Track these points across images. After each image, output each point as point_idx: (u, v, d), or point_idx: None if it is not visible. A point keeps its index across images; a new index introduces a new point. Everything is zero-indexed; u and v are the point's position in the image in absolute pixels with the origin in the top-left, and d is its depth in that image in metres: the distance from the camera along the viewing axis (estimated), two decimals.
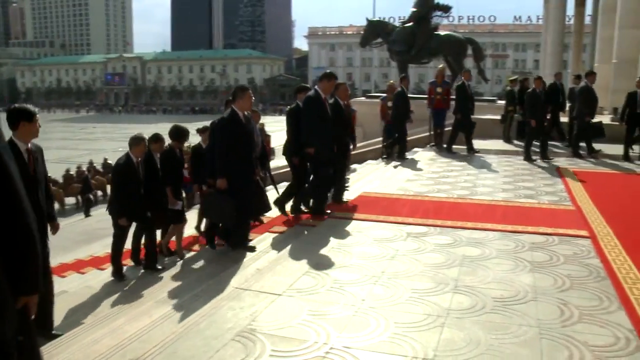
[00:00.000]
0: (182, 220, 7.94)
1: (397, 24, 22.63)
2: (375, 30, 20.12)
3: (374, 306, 4.55)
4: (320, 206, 7.89)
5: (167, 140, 7.74)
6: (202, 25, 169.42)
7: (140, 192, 7.13)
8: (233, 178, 6.58)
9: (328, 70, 8.27)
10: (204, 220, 8.17)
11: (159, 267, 7.34)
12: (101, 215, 17.17)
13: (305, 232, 7.13)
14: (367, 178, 10.98)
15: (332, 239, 6.64)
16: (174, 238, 7.92)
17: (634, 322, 4.26)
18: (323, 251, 6.17)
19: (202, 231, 8.36)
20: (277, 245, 6.56)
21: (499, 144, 14.47)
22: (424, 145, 14.94)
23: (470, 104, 13.61)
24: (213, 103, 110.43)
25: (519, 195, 8.95)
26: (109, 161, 26.33)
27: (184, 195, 8.52)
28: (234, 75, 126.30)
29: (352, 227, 7.19)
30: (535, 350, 3.82)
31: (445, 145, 13.92)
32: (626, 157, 12.66)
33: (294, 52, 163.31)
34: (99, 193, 24.02)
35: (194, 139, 9.18)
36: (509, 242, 6.32)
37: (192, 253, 7.90)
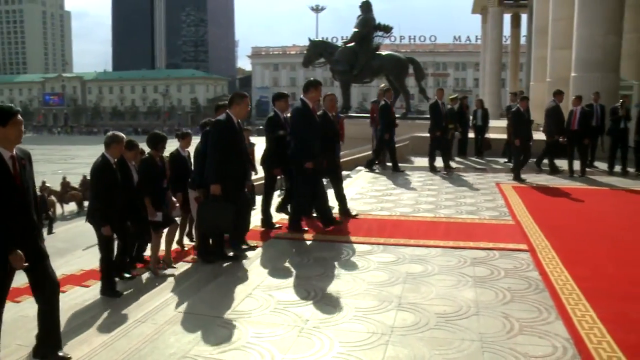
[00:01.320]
0: (160, 229, 7.44)
1: (339, 44, 22.90)
2: (318, 50, 20.33)
3: (318, 326, 4.54)
4: (297, 220, 7.79)
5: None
6: (144, 45, 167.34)
7: (120, 197, 6.46)
8: (227, 184, 6.45)
9: (313, 78, 8.11)
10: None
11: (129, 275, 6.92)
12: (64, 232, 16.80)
13: (247, 254, 7.06)
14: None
15: (274, 259, 6.60)
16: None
17: (571, 331, 4.39)
18: (266, 272, 6.10)
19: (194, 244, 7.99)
20: (219, 267, 6.47)
21: (440, 161, 14.72)
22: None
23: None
24: (156, 124, 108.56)
25: (461, 212, 9.13)
26: (47, 184, 25.70)
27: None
28: (176, 95, 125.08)
29: (295, 246, 7.17)
30: None
31: (389, 164, 14.10)
32: (571, 172, 13.12)
33: (237, 72, 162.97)
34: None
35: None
36: (451, 258, 6.41)
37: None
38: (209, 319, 4.76)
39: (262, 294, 5.36)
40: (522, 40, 46.43)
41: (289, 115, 8.08)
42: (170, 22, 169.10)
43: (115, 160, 6.48)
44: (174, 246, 7.77)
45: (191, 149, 7.82)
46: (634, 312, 4.86)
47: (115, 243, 6.69)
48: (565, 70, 17.88)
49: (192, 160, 7.70)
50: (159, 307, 5.14)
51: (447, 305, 4.96)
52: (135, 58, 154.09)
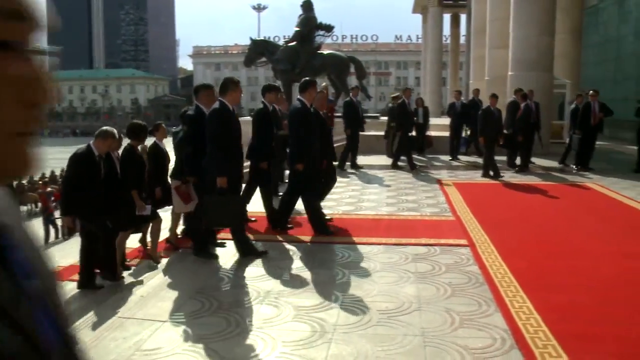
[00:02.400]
0: (147, 221, 7.27)
1: (281, 43, 22.83)
2: (259, 49, 20.19)
3: (261, 326, 4.51)
4: (284, 218, 7.70)
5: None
6: (82, 44, 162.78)
7: (99, 193, 6.23)
8: (230, 176, 6.27)
9: (308, 78, 8.04)
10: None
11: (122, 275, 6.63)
12: None
13: (189, 256, 6.96)
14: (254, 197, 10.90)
15: (217, 260, 6.54)
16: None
17: (509, 322, 4.51)
18: (208, 274, 6.04)
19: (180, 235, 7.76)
20: (161, 270, 6.36)
21: (382, 159, 14.89)
22: None
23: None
24: (96, 125, 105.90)
25: (402, 209, 9.25)
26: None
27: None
28: (116, 95, 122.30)
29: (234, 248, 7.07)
30: (419, 358, 3.93)
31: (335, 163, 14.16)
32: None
33: (178, 71, 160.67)
34: None
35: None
36: (393, 255, 6.48)
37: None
38: (151, 323, 4.67)
39: (205, 295, 5.29)
40: (462, 40, 47.40)
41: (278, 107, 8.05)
42: (109, 21, 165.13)
43: (99, 153, 6.26)
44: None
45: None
46: (566, 301, 5.04)
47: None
48: (503, 69, 18.37)
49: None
50: (98, 313, 5.01)
51: (390, 302, 5.00)
52: (73, 58, 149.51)
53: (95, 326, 4.67)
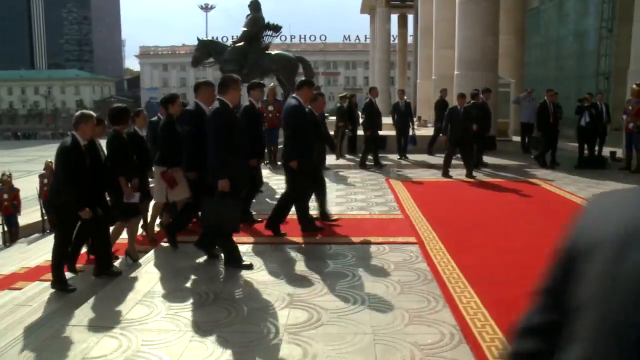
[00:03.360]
0: (138, 214, 7.10)
1: (229, 43, 22.66)
2: (207, 49, 19.98)
3: (211, 330, 4.45)
4: (308, 220, 7.58)
5: None
6: (22, 44, 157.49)
7: (88, 182, 6.04)
8: (234, 178, 6.06)
9: (304, 78, 7.99)
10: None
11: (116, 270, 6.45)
12: None
13: (133, 259, 6.82)
14: None
15: (165, 263, 6.42)
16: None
17: (457, 318, 4.58)
18: (157, 277, 5.93)
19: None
20: (107, 275, 6.21)
21: (331, 159, 14.91)
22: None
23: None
24: (38, 127, 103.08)
25: (352, 208, 9.29)
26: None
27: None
28: (60, 97, 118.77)
29: (187, 249, 6.94)
30: (370, 356, 3.94)
31: (279, 163, 14.14)
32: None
33: (125, 72, 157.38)
34: None
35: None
36: (343, 254, 6.50)
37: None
38: (97, 329, 4.54)
39: (152, 300, 5.19)
40: (410, 40, 48.05)
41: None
42: (50, 20, 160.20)
43: (86, 142, 6.07)
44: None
45: None
46: (512, 295, 5.12)
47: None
48: (449, 68, 18.70)
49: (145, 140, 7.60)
50: (41, 322, 4.85)
51: (339, 301, 5.02)
52: (12, 57, 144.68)
53: (39, 335, 4.51)
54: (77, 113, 6.23)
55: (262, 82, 8.70)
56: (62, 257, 6.21)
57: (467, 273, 5.73)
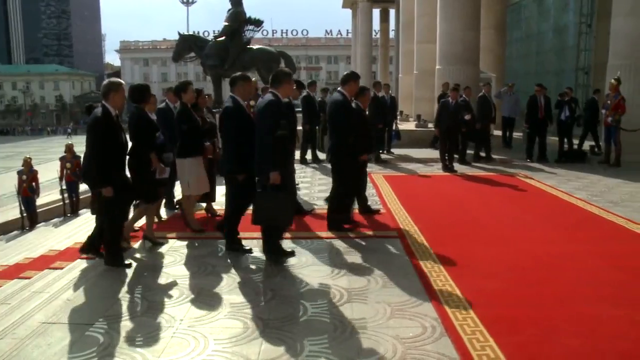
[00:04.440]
0: (161, 196, 7.02)
1: (210, 38, 22.58)
2: (188, 44, 19.90)
3: (193, 325, 4.43)
4: (340, 217, 7.48)
5: None
6: None
7: (119, 157, 5.85)
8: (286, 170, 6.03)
9: (351, 70, 7.80)
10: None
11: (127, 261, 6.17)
12: None
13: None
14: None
15: (146, 260, 6.38)
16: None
17: (438, 311, 4.61)
18: (137, 274, 5.88)
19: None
20: (89, 271, 6.14)
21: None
22: None
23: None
24: (17, 123, 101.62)
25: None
26: None
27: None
28: (39, 92, 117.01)
29: (167, 246, 6.89)
30: (352, 350, 3.95)
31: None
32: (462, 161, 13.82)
33: (105, 67, 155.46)
34: None
35: None
36: (325, 249, 6.51)
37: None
38: (78, 327, 4.50)
39: (133, 296, 5.16)
40: (391, 34, 48.13)
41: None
42: (28, 14, 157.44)
43: (116, 113, 5.84)
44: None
45: None
46: (493, 287, 5.20)
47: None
48: (431, 63, 18.77)
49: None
50: (20, 321, 4.77)
51: (322, 295, 5.02)
52: None
53: (16, 334, 4.45)
54: (105, 82, 5.98)
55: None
56: (118, 234, 6.07)
57: (449, 266, 5.78)
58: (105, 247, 6.10)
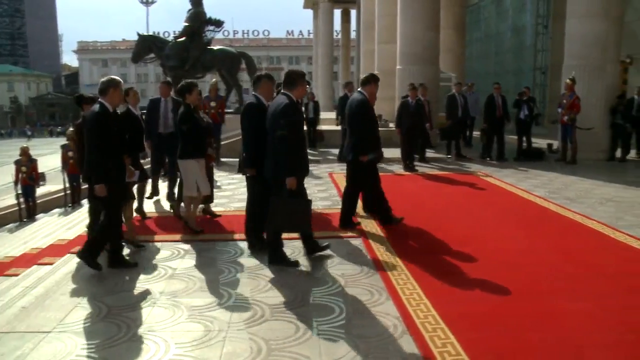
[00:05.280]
0: (132, 197, 6.89)
1: (170, 38, 22.33)
2: (147, 44, 19.61)
3: (154, 329, 4.36)
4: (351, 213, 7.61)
5: None
6: None
7: (117, 154, 5.79)
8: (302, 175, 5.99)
9: (371, 73, 7.89)
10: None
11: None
12: None
13: (74, 260, 6.62)
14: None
15: (105, 265, 6.24)
16: None
17: (400, 309, 4.63)
18: (97, 279, 5.73)
19: None
20: (46, 277, 5.99)
21: None
22: None
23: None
24: None
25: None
26: None
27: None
28: None
29: (128, 247, 6.71)
30: (314, 350, 3.95)
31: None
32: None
33: (62, 68, 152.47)
34: None
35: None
36: (286, 249, 6.44)
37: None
38: (33, 335, 4.37)
39: (92, 302, 5.04)
40: (353, 35, 48.31)
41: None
42: None
43: (113, 110, 5.76)
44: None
45: None
46: (454, 285, 5.26)
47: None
48: (391, 63, 18.88)
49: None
50: None
51: (283, 296, 5.00)
52: None
53: None
54: (105, 78, 5.86)
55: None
56: (109, 238, 5.95)
57: (410, 265, 5.82)
58: (89, 244, 5.96)
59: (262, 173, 6.11)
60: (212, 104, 13.67)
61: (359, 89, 7.62)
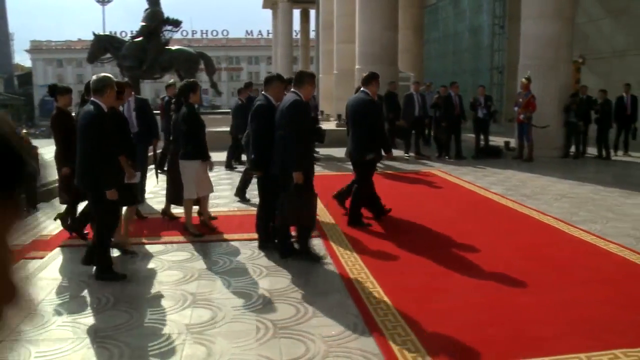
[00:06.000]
0: (137, 201, 6.71)
1: (127, 38, 22.00)
2: (103, 45, 19.28)
3: (112, 335, 4.27)
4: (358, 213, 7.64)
5: None
6: None
7: (115, 155, 5.63)
8: (308, 170, 6.11)
9: (373, 71, 8.07)
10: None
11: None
12: None
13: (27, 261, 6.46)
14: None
15: (65, 267, 6.10)
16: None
17: (360, 308, 4.65)
18: (55, 284, 5.59)
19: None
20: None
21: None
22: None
23: None
24: None
25: (253, 204, 9.18)
26: None
27: None
28: None
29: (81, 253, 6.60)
30: (274, 351, 3.93)
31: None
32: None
33: (15, 68, 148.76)
34: None
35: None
36: (246, 250, 6.42)
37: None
38: None
39: (47, 308, 4.91)
40: (312, 35, 48.34)
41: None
42: None
43: (107, 110, 5.52)
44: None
45: None
46: (413, 282, 5.31)
47: None
48: (350, 62, 18.95)
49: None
50: None
51: (243, 297, 4.97)
52: None
53: None
54: (99, 76, 5.61)
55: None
56: (108, 244, 5.76)
57: (369, 263, 5.85)
58: (98, 261, 5.67)
59: (270, 172, 6.25)
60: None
61: (362, 89, 7.77)
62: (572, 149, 14.63)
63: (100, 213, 5.65)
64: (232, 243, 6.79)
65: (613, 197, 9.35)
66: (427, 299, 4.89)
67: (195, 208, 7.63)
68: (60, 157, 7.02)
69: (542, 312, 4.58)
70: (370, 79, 7.69)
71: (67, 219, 7.19)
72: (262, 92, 6.51)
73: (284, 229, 6.22)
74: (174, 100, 8.76)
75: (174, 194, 7.73)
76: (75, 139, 5.80)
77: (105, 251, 5.68)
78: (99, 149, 5.36)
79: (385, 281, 5.28)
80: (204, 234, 7.15)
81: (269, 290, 5.13)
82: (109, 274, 5.54)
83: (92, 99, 5.52)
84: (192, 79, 7.83)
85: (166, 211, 8.10)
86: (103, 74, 5.73)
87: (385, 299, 4.84)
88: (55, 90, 6.94)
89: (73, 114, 7.40)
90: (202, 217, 7.60)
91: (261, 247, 6.46)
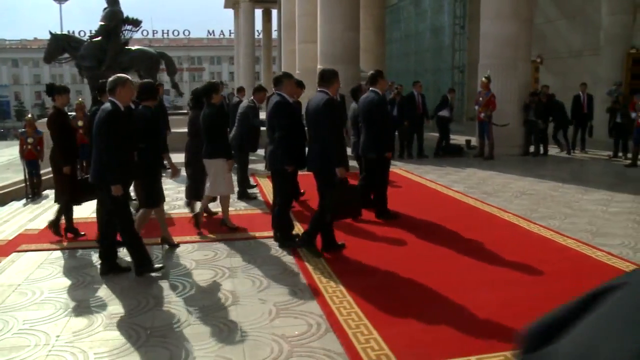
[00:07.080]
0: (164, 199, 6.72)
1: (86, 38, 21.60)
2: (61, 44, 18.86)
3: (71, 340, 4.20)
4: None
5: None
6: None
7: (130, 154, 5.66)
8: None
9: (375, 69, 8.13)
10: None
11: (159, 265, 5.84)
12: None
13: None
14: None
15: (20, 273, 5.95)
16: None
17: (323, 308, 4.66)
18: (10, 289, 5.45)
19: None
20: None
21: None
22: None
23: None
24: None
25: (215, 205, 9.09)
26: None
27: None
28: None
29: (42, 257, 6.46)
30: (238, 352, 3.92)
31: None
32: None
33: None
34: None
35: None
36: (209, 252, 6.38)
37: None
38: None
39: (4, 314, 4.79)
40: (274, 35, 48.24)
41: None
42: None
43: (124, 108, 5.55)
44: None
45: None
46: (376, 281, 5.34)
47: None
48: (312, 62, 18.97)
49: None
50: None
51: (206, 299, 4.94)
52: None
53: None
54: (110, 78, 5.66)
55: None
56: (135, 234, 5.78)
57: (332, 263, 5.87)
58: (132, 253, 5.78)
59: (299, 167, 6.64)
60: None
61: (371, 88, 7.85)
62: (532, 148, 14.89)
63: (121, 208, 5.64)
64: (199, 243, 6.75)
65: (571, 194, 9.56)
66: (391, 299, 4.91)
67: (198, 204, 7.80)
68: (57, 157, 7.00)
69: (502, 308, 4.63)
70: (376, 78, 7.82)
71: (58, 223, 7.16)
72: (276, 92, 6.64)
73: (284, 220, 6.66)
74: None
75: (194, 191, 7.88)
76: (73, 138, 6.27)
77: (139, 246, 5.73)
78: (113, 145, 5.43)
79: (348, 281, 5.29)
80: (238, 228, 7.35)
81: (232, 291, 5.10)
82: (148, 267, 5.68)
83: (109, 98, 5.59)
84: (214, 81, 7.91)
85: (203, 208, 7.84)
86: (119, 74, 5.81)
87: (349, 298, 4.86)
88: (53, 90, 6.87)
89: (71, 114, 7.41)
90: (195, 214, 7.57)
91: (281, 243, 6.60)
